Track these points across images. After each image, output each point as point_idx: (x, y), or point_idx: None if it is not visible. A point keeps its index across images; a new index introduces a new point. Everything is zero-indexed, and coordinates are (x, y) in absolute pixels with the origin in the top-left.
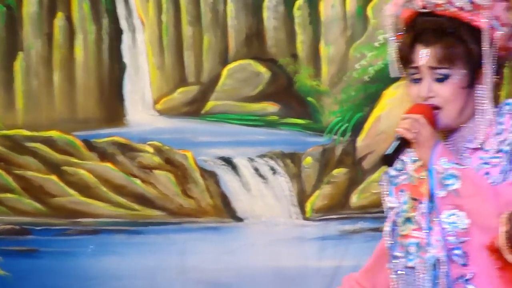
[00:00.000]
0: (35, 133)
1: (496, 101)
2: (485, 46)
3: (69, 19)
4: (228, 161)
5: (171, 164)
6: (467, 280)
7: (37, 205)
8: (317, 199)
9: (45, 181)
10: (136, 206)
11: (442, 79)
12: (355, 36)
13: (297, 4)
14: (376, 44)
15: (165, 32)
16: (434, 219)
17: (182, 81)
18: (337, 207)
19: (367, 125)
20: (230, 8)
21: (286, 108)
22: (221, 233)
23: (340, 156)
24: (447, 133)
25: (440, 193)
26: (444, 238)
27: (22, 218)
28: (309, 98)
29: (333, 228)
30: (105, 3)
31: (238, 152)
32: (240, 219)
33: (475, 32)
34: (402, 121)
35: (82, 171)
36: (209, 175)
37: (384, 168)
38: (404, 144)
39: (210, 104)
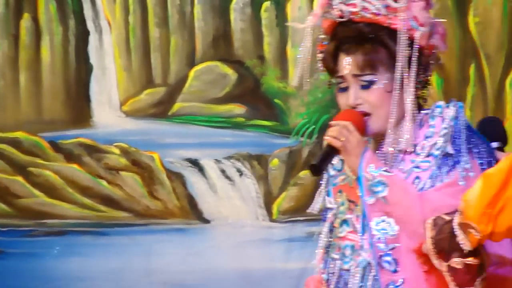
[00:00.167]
0: (1, 134)
1: (435, 100)
2: (402, 48)
3: (35, 20)
4: (194, 163)
5: (137, 165)
6: (397, 286)
7: (3, 206)
8: (283, 201)
9: (11, 182)
10: (102, 208)
11: (367, 86)
12: None
13: (264, 6)
14: None
15: (132, 33)
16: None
17: (149, 83)
18: (304, 209)
19: None
20: (197, 10)
21: (253, 110)
22: (187, 235)
23: (306, 158)
24: (381, 137)
25: (369, 200)
26: (374, 245)
27: None
28: (276, 100)
29: (299, 230)
30: (72, 5)
31: (205, 154)
32: (206, 221)
33: (396, 35)
34: (330, 128)
35: (48, 172)
36: (176, 177)
37: None
38: (332, 152)
39: (177, 106)
